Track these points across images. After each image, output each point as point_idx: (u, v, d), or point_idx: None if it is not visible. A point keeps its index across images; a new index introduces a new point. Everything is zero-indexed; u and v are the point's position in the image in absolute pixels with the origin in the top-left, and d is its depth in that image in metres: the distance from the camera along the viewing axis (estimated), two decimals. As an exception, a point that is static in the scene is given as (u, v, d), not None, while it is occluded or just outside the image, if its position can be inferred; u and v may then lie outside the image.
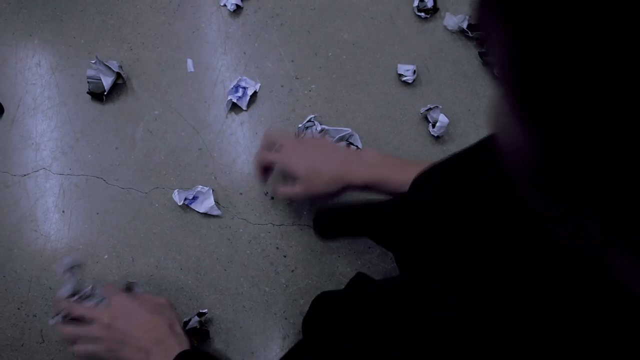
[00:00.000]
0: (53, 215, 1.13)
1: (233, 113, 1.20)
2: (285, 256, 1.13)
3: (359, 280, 0.81)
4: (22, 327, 1.08)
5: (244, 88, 1.19)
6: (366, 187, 0.93)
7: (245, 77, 1.21)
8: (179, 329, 0.94)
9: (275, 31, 1.27)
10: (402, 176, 0.85)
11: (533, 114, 0.22)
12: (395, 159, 0.96)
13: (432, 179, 0.69)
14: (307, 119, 1.15)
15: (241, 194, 1.14)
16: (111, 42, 1.24)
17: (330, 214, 0.87)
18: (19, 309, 1.08)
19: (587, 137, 0.19)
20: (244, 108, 1.19)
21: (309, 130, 1.15)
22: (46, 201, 1.14)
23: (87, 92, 1.18)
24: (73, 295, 0.98)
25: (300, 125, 1.15)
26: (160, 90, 1.21)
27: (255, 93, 1.20)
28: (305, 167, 0.96)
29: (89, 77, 1.17)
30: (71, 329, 0.94)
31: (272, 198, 1.15)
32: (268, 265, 1.12)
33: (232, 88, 1.19)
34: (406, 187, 0.73)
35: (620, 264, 0.24)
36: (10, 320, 1.08)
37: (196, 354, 0.89)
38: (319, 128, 1.14)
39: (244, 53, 1.24)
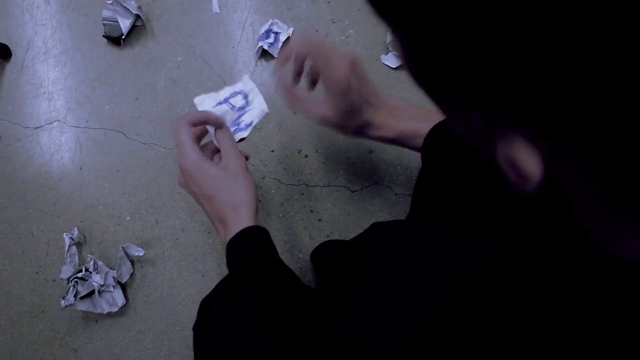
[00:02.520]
0: (70, 173, 1.04)
1: (263, 60, 1.09)
2: (320, 220, 1.04)
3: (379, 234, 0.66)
4: (42, 293, 1.01)
5: (276, 33, 1.07)
6: (395, 140, 0.75)
7: (277, 21, 1.08)
8: (242, 209, 0.74)
9: (310, -33, 1.13)
10: (418, 127, 0.73)
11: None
12: (417, 107, 0.79)
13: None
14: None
15: (273, 151, 1.05)
16: (127, -22, 1.11)
17: None
18: (37, 273, 1.01)
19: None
20: (276, 56, 1.08)
21: None
22: (62, 157, 1.05)
23: (103, 36, 1.06)
24: None
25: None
26: (183, 33, 1.09)
27: (287, 39, 1.08)
28: (354, 62, 0.71)
29: (104, 19, 1.05)
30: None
31: (306, 156, 1.05)
32: (302, 229, 1.04)
33: (263, 33, 1.07)
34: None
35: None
36: (29, 285, 1.01)
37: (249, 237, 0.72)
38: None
39: (276, -8, 1.11)
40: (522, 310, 0.33)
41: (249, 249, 0.70)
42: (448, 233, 0.47)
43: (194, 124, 0.76)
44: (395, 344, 0.36)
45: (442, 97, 0.28)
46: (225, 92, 0.82)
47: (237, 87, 0.83)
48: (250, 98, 0.83)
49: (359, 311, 0.42)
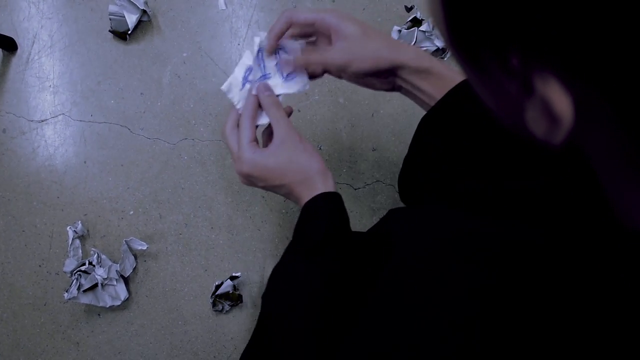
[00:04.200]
0: (74, 166, 1.04)
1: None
2: (323, 217, 1.05)
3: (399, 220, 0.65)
4: (45, 286, 1.01)
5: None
6: (416, 73, 0.70)
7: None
8: (312, 182, 0.72)
9: (316, -34, 1.14)
10: (449, 73, 0.68)
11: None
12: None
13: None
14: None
15: (277, 148, 1.05)
16: (134, -27, 1.11)
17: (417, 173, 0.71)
18: (40, 266, 1.02)
19: None
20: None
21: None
22: (66, 150, 1.05)
23: (109, 31, 1.07)
24: None
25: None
26: (189, 29, 1.10)
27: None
28: (356, 22, 0.70)
29: (111, 14, 1.05)
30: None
31: (310, 153, 1.06)
32: (305, 226, 1.04)
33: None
34: (443, 91, 0.66)
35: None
36: (32, 278, 1.01)
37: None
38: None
39: (281, -10, 1.12)
40: (546, 289, 0.33)
41: (317, 217, 0.70)
42: (475, 217, 0.47)
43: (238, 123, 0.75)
44: (435, 334, 0.36)
45: (479, 46, 0.29)
46: (239, 71, 0.79)
47: (243, 63, 0.80)
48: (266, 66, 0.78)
49: (392, 304, 0.42)
